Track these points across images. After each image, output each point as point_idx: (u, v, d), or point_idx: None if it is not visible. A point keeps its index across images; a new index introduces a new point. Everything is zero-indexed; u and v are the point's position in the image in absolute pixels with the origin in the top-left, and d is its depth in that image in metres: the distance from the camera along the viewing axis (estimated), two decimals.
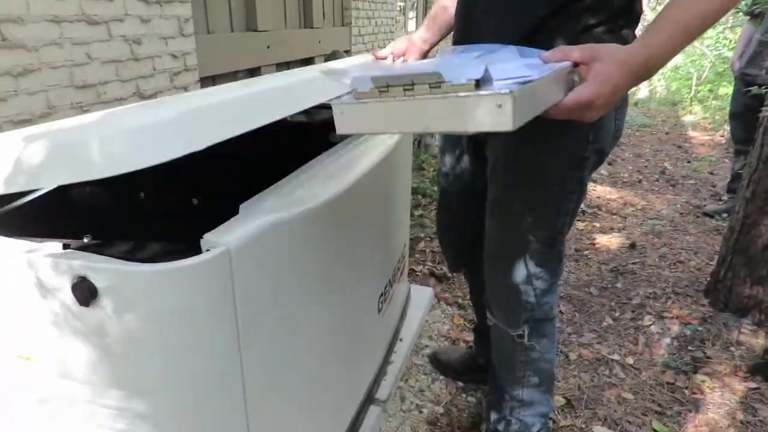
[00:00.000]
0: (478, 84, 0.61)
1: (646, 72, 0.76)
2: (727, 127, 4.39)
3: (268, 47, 3.00)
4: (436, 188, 3.28)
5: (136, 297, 0.67)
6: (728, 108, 3.46)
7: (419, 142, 4.35)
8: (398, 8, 6.20)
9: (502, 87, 0.60)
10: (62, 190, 1.03)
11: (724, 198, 3.42)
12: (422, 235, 2.68)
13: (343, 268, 1.08)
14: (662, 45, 0.75)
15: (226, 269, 0.71)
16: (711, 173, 4.16)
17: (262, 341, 0.80)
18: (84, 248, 0.73)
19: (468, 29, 1.06)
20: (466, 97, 0.59)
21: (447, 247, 1.50)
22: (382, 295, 1.40)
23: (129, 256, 0.68)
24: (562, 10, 0.91)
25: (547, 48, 0.81)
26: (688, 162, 4.45)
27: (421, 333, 1.92)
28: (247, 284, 0.75)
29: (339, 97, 0.80)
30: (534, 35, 0.92)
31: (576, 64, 0.77)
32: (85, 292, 0.66)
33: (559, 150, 0.99)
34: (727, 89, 6.12)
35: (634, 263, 2.54)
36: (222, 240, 0.71)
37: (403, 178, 1.59)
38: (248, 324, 0.75)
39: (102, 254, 0.69)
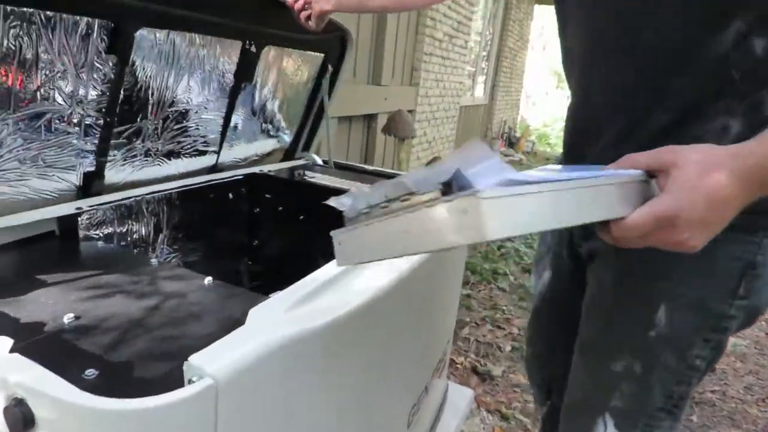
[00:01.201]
0: (446, 190, 0.45)
1: (759, 181, 0.52)
2: None
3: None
4: (487, 266, 3.04)
5: None
6: None
7: None
8: (467, 73, 6.19)
9: (477, 190, 0.42)
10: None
11: None
12: (467, 319, 2.42)
13: (370, 384, 0.88)
14: None
15: (210, 409, 0.52)
16: None
17: None
18: (37, 350, 0.56)
19: (585, 133, 0.81)
20: (428, 206, 0.46)
21: (532, 376, 1.18)
22: (414, 406, 1.17)
23: (84, 377, 0.51)
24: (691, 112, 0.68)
25: None
26: None
27: None
28: (237, 427, 0.56)
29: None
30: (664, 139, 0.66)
31: (652, 175, 0.56)
32: (18, 419, 0.49)
33: (689, 303, 0.71)
34: None
35: (713, 392, 2.16)
36: (209, 368, 0.52)
37: (455, 266, 1.38)
38: None
39: (57, 366, 0.52)
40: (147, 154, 1.15)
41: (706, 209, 0.51)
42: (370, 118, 3.68)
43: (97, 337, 0.66)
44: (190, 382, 0.52)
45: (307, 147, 1.74)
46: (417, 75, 4.23)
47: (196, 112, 1.23)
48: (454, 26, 4.74)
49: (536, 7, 8.96)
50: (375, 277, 0.82)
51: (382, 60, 3.56)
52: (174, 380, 0.54)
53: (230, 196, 1.38)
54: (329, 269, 0.80)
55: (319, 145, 1.92)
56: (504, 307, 2.59)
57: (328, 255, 0.82)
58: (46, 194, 0.98)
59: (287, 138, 1.65)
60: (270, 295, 0.77)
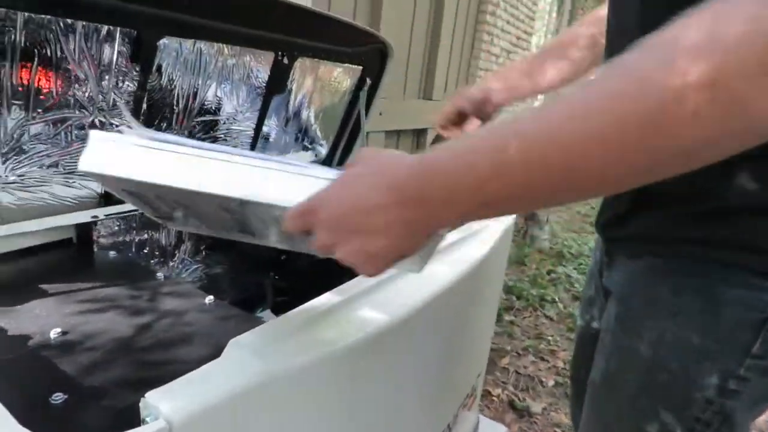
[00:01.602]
0: None
1: (414, 194, 0.40)
2: None
3: (381, 114, 2.92)
4: (534, 291, 2.87)
5: None
6: None
7: (525, 231, 3.96)
8: None
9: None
10: None
11: None
12: (509, 347, 2.28)
13: (374, 425, 0.80)
14: (457, 164, 0.39)
15: None
16: None
17: None
18: (13, 368, 0.53)
19: None
20: None
21: (575, 417, 1.02)
22: None
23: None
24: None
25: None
26: None
27: None
28: None
29: None
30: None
31: None
32: None
33: (695, 354, 0.57)
34: None
35: None
36: (165, 408, 0.47)
37: (489, 293, 1.28)
38: None
39: (28, 386, 0.48)
40: None
41: (347, 208, 0.43)
42: (419, 133, 3.62)
43: (77, 356, 0.63)
44: (143, 422, 0.47)
45: (342, 162, 1.69)
46: None
47: (225, 123, 1.21)
48: (513, 41, 4.61)
49: None
50: (386, 306, 0.74)
51: (435, 74, 3.50)
52: (134, 415, 0.49)
53: None
54: (331, 296, 0.73)
55: None
56: (550, 337, 2.42)
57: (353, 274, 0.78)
58: (68, 201, 0.99)
59: (323, 151, 1.62)
60: (264, 319, 0.72)
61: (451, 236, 1.03)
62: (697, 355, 0.57)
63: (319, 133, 1.56)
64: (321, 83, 1.42)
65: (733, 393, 0.56)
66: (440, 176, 0.39)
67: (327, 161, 1.66)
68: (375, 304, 0.73)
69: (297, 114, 1.42)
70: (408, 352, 0.82)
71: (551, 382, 2.08)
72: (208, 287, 1.27)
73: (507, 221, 1.23)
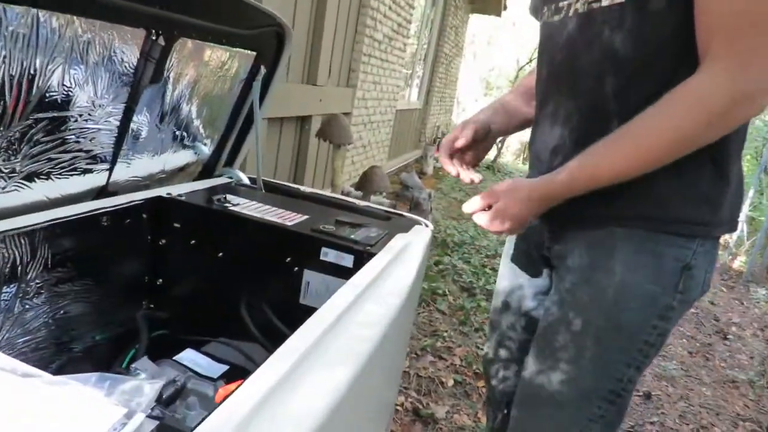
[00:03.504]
0: None
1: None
2: None
3: None
4: (426, 285, 2.87)
5: None
6: None
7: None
8: (403, 76, 6.05)
9: None
10: None
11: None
12: (408, 349, 2.23)
13: None
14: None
15: None
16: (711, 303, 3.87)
17: None
18: None
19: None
20: None
21: (491, 380, 1.21)
22: None
23: None
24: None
25: None
26: None
27: None
28: None
29: None
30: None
31: None
32: None
33: (642, 293, 0.83)
34: None
35: (651, 423, 2.13)
36: None
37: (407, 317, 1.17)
38: None
39: None
40: None
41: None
42: (303, 120, 3.40)
43: None
44: None
45: (231, 161, 1.45)
46: (354, 76, 3.99)
47: (76, 120, 0.91)
48: (394, 28, 4.55)
49: (472, 15, 9.03)
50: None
51: (319, 58, 3.28)
52: None
53: (125, 225, 1.07)
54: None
55: (246, 157, 1.65)
56: (445, 333, 2.43)
57: (253, 299, 0.81)
58: None
59: (206, 150, 1.36)
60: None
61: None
62: (649, 297, 0.82)
63: (202, 129, 1.30)
64: (207, 69, 1.17)
65: (668, 319, 0.84)
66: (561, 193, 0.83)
67: (212, 161, 1.40)
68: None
69: (176, 107, 1.15)
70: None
71: (450, 382, 2.07)
72: (75, 323, 0.97)
73: (421, 244, 1.12)
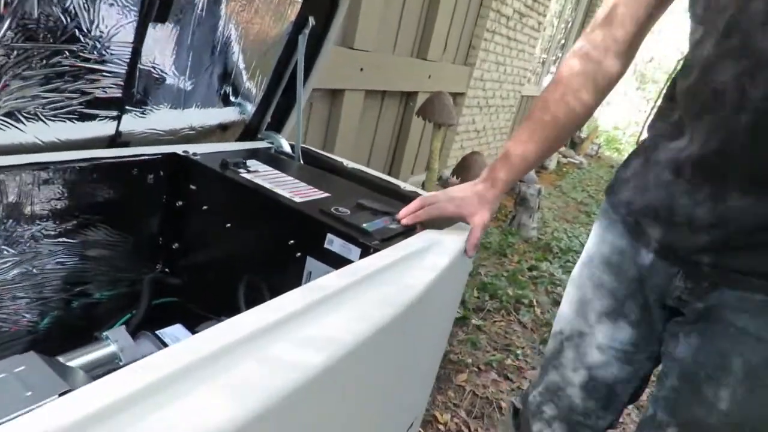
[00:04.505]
0: None
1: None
2: None
3: (362, 70, 2.51)
4: (511, 291, 2.56)
5: None
6: None
7: (513, 217, 3.62)
8: (538, 60, 5.53)
9: None
10: None
11: None
12: (469, 360, 1.97)
13: None
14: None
15: None
16: None
17: None
18: None
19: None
20: None
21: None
22: None
23: None
24: None
25: None
26: None
27: None
28: None
29: None
30: None
31: None
32: None
33: None
34: None
35: None
36: None
37: (436, 326, 0.95)
38: None
39: None
40: None
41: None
42: (408, 97, 3.21)
43: None
44: None
45: (278, 126, 1.32)
46: (474, 54, 3.68)
47: (77, 56, 0.83)
48: (528, 3, 4.12)
49: None
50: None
51: (433, 30, 3.05)
52: None
53: (137, 179, 0.99)
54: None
55: (308, 122, 1.50)
56: (519, 350, 2.12)
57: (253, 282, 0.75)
58: None
59: (248, 109, 1.24)
60: None
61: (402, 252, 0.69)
62: None
63: (245, 84, 1.18)
64: (251, 11, 1.03)
65: None
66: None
67: (254, 122, 1.28)
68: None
69: (209, 53, 1.04)
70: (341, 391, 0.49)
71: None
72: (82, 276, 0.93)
73: (456, 248, 0.87)
